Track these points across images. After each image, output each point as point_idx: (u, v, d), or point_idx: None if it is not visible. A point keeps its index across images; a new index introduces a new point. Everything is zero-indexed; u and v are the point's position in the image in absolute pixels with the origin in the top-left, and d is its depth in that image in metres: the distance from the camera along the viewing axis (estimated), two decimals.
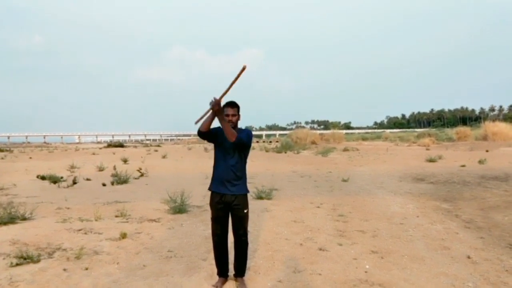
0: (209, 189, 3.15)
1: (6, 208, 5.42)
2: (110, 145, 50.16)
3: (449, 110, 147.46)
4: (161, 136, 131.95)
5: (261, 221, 5.40)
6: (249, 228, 3.37)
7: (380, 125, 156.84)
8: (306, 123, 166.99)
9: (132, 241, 4.43)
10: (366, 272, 3.45)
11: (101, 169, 13.80)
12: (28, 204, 6.43)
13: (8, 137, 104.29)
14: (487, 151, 19.74)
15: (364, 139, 49.56)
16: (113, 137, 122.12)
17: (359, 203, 6.82)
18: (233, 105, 3.02)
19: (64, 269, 3.48)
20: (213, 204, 3.11)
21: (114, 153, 27.11)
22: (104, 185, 9.60)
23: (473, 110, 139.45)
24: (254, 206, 6.01)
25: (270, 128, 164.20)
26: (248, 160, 3.27)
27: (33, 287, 3.11)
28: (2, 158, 23.04)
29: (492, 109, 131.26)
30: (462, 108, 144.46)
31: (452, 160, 15.10)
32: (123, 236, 4.51)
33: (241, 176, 3.08)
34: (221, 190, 3.05)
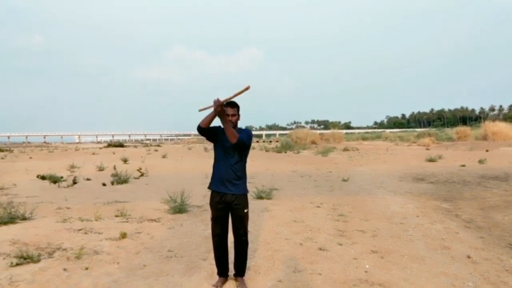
0: (209, 187, 3.16)
1: (6, 208, 5.42)
2: (110, 145, 50.12)
3: (449, 110, 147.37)
4: (161, 136, 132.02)
5: (261, 220, 5.40)
6: (249, 228, 3.37)
7: (380, 125, 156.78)
8: (306, 123, 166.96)
9: (132, 241, 4.44)
10: (366, 272, 3.45)
11: (101, 169, 13.80)
12: (28, 204, 6.43)
13: (8, 137, 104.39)
14: (487, 150, 19.76)
15: (364, 139, 49.65)
16: (113, 137, 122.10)
17: (359, 203, 6.83)
18: (233, 105, 3.02)
19: (64, 269, 3.49)
20: (213, 204, 3.11)
21: (114, 153, 27.09)
22: (104, 185, 9.61)
23: (473, 110, 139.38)
24: (254, 206, 6.01)
25: (270, 128, 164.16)
26: (248, 160, 3.27)
27: (33, 287, 3.11)
28: (2, 158, 23.04)
29: (492, 109, 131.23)
30: (462, 108, 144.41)
31: (452, 160, 15.11)
32: (123, 236, 4.51)
33: (242, 176, 3.08)
34: (221, 190, 3.05)
